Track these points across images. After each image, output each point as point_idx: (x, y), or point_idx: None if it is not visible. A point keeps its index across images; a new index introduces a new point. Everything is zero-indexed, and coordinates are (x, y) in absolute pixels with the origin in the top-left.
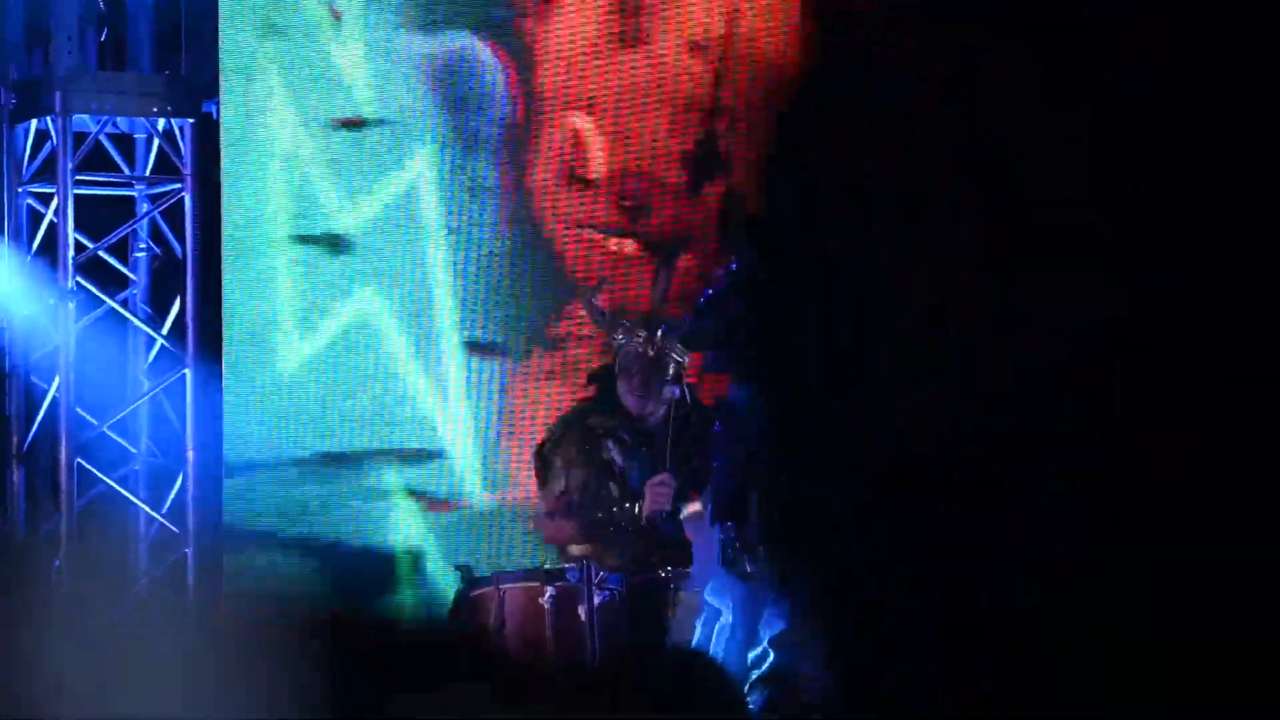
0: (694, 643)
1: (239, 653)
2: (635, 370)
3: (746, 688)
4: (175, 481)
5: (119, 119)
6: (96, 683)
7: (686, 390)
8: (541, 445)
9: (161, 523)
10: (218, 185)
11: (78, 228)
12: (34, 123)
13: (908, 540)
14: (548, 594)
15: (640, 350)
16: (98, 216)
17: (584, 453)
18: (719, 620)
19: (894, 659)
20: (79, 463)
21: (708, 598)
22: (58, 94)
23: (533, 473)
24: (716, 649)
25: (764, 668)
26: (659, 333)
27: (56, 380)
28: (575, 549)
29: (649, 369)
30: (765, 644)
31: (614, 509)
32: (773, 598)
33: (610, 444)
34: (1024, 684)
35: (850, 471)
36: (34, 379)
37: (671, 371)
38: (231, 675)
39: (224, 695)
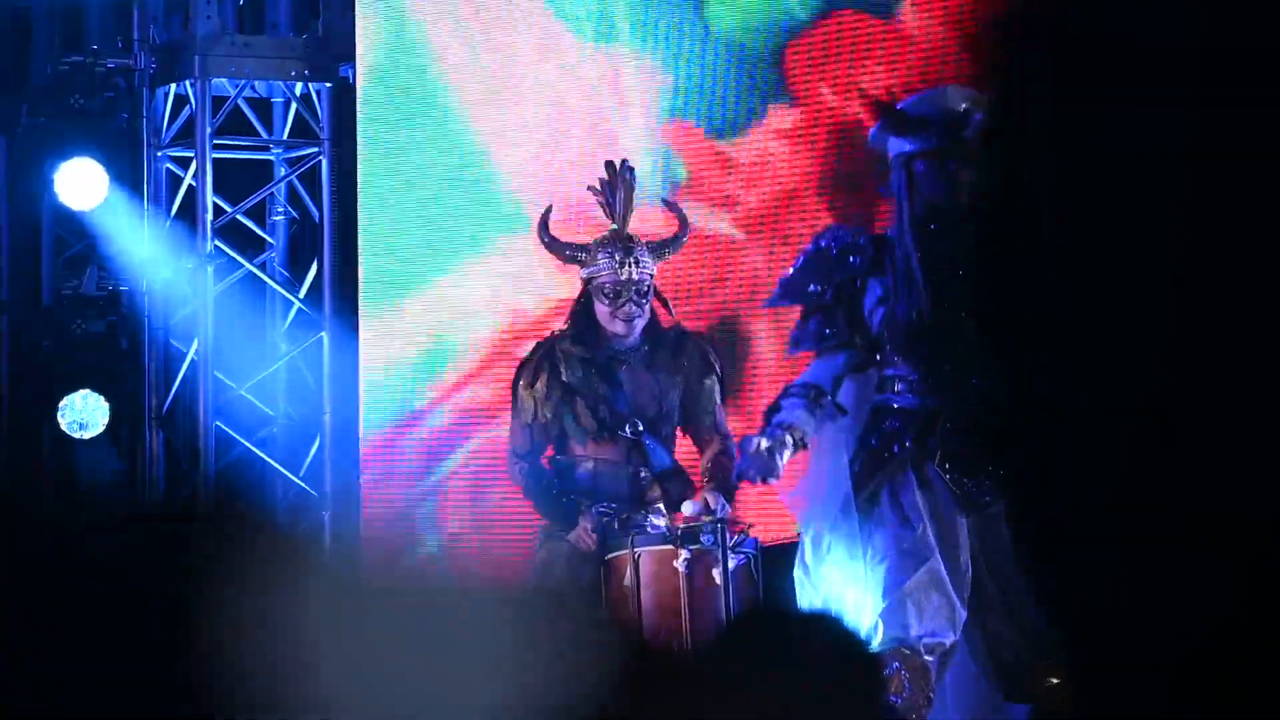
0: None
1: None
2: (612, 292)
3: None
4: (312, 444)
5: (257, 83)
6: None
7: (669, 306)
8: (517, 374)
9: (300, 485)
10: (354, 148)
11: (216, 191)
12: (173, 87)
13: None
14: (682, 558)
15: (616, 273)
16: (236, 180)
17: (553, 378)
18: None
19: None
20: (217, 425)
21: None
22: (197, 58)
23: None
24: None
25: (877, 644)
26: (634, 254)
27: (195, 343)
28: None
29: (630, 289)
30: (877, 616)
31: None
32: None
33: (574, 368)
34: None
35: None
36: (173, 342)
37: (648, 288)
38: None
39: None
